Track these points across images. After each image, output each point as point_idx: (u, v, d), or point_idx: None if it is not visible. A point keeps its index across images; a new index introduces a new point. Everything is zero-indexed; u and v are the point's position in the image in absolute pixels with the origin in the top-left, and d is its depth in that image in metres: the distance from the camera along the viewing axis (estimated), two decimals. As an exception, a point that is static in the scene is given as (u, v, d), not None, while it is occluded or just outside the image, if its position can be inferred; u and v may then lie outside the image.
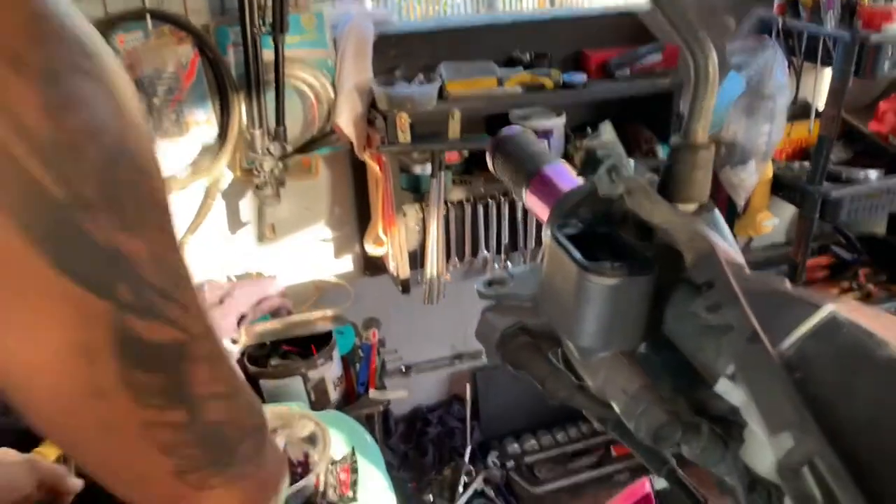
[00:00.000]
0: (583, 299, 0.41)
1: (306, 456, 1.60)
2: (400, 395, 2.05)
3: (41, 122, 0.32)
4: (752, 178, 2.21)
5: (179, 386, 0.42)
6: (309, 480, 1.49)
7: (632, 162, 0.49)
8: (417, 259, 2.21)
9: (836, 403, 0.30)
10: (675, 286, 0.42)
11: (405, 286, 2.17)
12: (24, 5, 0.32)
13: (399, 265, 2.14)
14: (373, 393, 2.02)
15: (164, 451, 0.43)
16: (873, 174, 2.19)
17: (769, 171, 2.23)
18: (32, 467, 0.82)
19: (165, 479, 0.44)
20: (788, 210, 2.53)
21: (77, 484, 0.85)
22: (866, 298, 2.43)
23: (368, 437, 1.71)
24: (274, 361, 2.01)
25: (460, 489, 2.40)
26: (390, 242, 2.12)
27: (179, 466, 0.44)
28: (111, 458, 0.43)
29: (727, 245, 0.43)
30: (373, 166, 2.02)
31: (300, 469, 1.57)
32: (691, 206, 0.45)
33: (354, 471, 1.55)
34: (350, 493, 1.50)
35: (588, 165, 0.51)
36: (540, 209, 0.60)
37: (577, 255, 0.41)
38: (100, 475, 0.44)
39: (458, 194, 2.14)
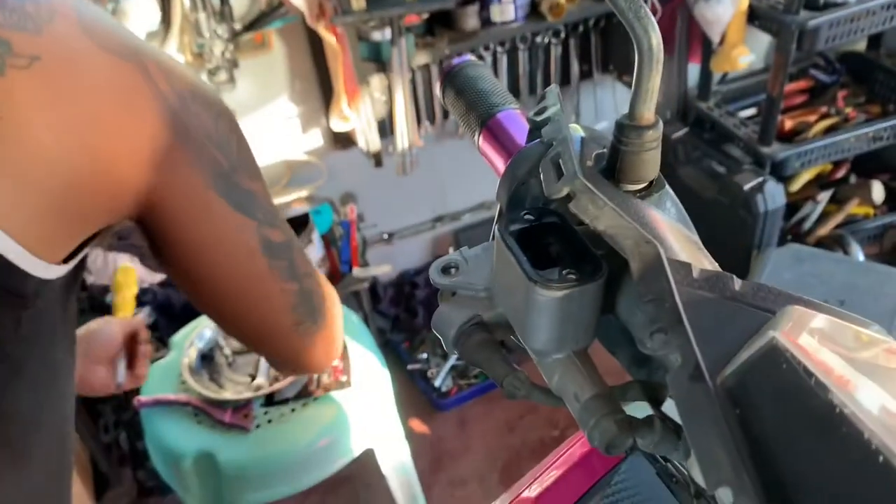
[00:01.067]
0: (531, 308, 0.41)
1: (297, 346, 1.66)
2: (384, 271, 2.08)
3: (213, 128, 0.59)
4: (727, 11, 2.13)
5: (292, 267, 0.68)
6: (303, 370, 1.55)
7: (579, 135, 0.47)
8: (387, 128, 2.16)
9: (774, 448, 0.31)
10: (625, 273, 0.42)
11: (377, 159, 2.14)
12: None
13: (368, 139, 2.10)
14: (357, 271, 2.05)
15: (290, 310, 0.69)
16: (852, -5, 2.11)
17: (744, 2, 2.14)
18: (120, 323, 1.08)
19: (289, 332, 0.70)
20: (766, 35, 2.46)
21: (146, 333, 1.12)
22: (844, 123, 2.42)
23: (355, 318, 1.76)
24: (254, 250, 2.02)
25: (453, 344, 2.51)
26: (356, 116, 2.06)
27: (296, 320, 0.70)
28: (258, 315, 0.68)
29: (676, 231, 0.43)
30: (328, 38, 1.93)
31: (293, 360, 1.63)
32: (640, 185, 0.44)
33: (345, 356, 1.61)
34: (343, 378, 1.56)
35: (533, 136, 0.49)
36: (494, 161, 0.59)
37: (527, 265, 0.40)
38: (243, 329, 0.70)
39: (422, 58, 2.06)
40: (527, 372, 0.45)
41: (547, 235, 0.45)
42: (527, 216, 0.44)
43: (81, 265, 0.61)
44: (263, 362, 1.59)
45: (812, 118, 2.43)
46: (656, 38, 0.40)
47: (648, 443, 0.40)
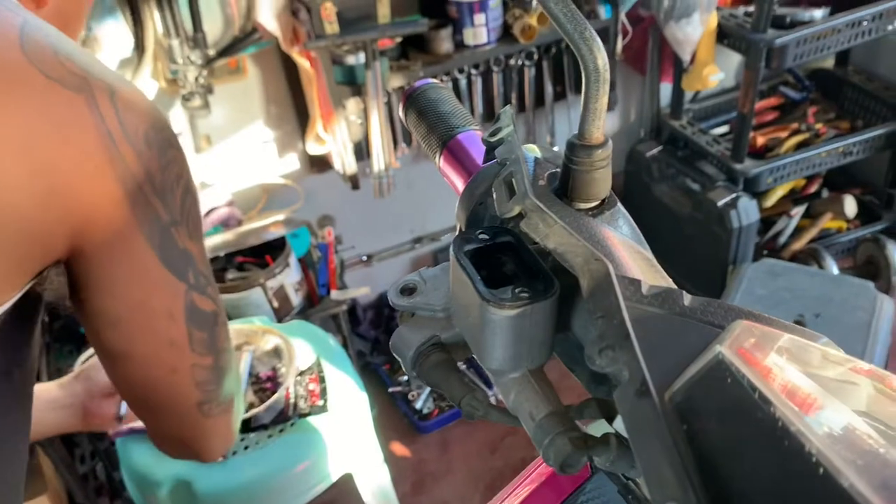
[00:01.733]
0: (486, 327, 0.41)
1: (274, 370, 1.64)
2: (362, 293, 2.08)
3: (158, 175, 0.56)
4: (696, 30, 2.16)
5: (213, 340, 0.64)
6: (280, 394, 1.54)
7: (533, 156, 0.48)
8: (363, 151, 2.17)
9: (722, 463, 0.31)
10: (577, 291, 0.42)
11: (354, 181, 2.14)
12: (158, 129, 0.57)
13: (345, 161, 2.10)
14: (335, 294, 2.05)
15: (198, 386, 0.65)
16: (818, 13, 2.15)
17: (713, 22, 2.17)
18: (82, 405, 1.01)
19: (192, 409, 0.66)
20: (736, 54, 2.50)
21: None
22: (815, 138, 2.46)
23: (332, 342, 1.75)
24: (231, 275, 2.01)
25: (434, 366, 2.50)
26: (332, 139, 2.07)
27: (202, 398, 0.66)
28: (164, 384, 0.63)
29: (629, 248, 0.43)
30: (302, 63, 1.93)
31: (269, 384, 1.62)
32: (592, 204, 0.44)
33: (322, 379, 1.60)
34: (321, 402, 1.55)
35: (489, 157, 0.50)
36: (454, 181, 0.59)
37: (480, 285, 0.40)
38: (142, 395, 0.65)
39: (397, 81, 2.07)
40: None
41: (501, 255, 0.45)
42: (481, 235, 0.44)
43: (25, 326, 0.57)
44: (243, 387, 1.58)
45: (783, 134, 2.46)
46: (602, 59, 0.40)
47: (605, 461, 0.40)
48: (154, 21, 1.82)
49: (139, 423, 1.50)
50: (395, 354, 0.47)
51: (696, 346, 0.36)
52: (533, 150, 0.49)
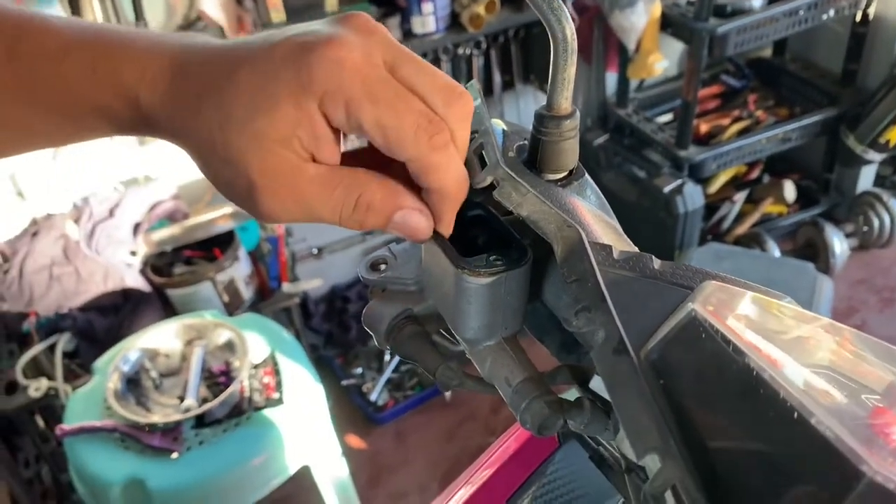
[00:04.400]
0: (461, 296, 0.41)
1: (227, 364, 1.62)
2: (314, 285, 2.07)
3: None
4: (641, 19, 2.20)
5: None
6: (234, 388, 1.52)
7: (501, 128, 0.48)
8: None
9: (697, 414, 0.32)
10: (549, 259, 0.43)
11: (304, 172, 2.12)
12: None
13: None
14: (286, 286, 2.03)
15: None
16: (757, 3, 2.21)
17: (657, 11, 2.22)
18: None
19: None
20: (679, 43, 2.56)
21: None
22: (756, 125, 2.53)
23: (286, 334, 1.74)
24: (179, 269, 1.97)
25: (386, 357, 2.49)
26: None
27: None
28: None
29: (597, 217, 0.44)
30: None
31: (223, 378, 1.60)
32: (560, 174, 0.45)
33: (277, 372, 1.58)
34: (276, 395, 1.54)
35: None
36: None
37: (453, 252, 0.41)
38: None
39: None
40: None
41: (473, 228, 0.46)
42: None
43: None
44: (192, 382, 1.56)
45: (725, 122, 2.53)
46: (570, 29, 0.41)
47: (579, 423, 0.41)
48: (93, 9, 1.77)
49: (88, 423, 1.46)
50: (367, 328, 0.47)
51: (667, 305, 0.37)
52: (499, 124, 0.50)
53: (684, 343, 0.34)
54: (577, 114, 0.44)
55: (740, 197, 2.65)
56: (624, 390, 0.32)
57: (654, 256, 0.40)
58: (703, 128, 2.48)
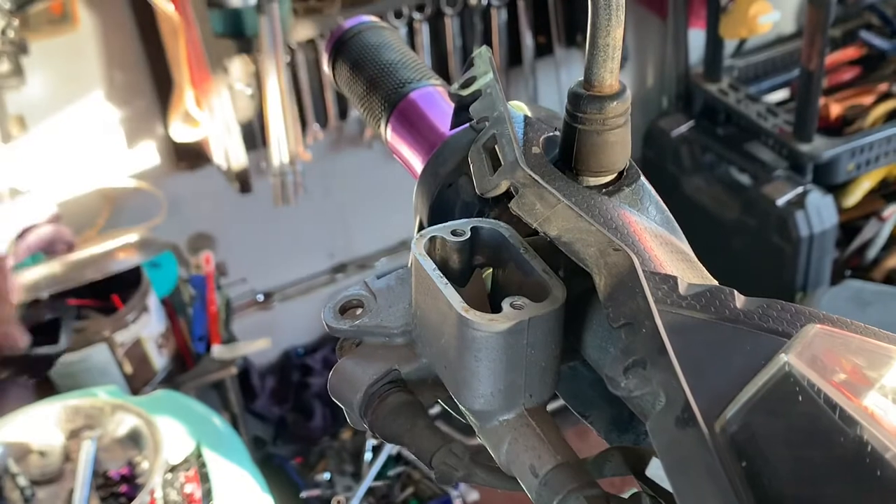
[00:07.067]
0: (467, 350, 0.44)
1: (131, 466, 1.64)
2: (259, 348, 2.09)
3: None
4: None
5: None
6: (141, 501, 1.54)
7: (522, 115, 0.52)
8: (256, 136, 2.19)
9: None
10: (592, 298, 0.45)
11: (243, 181, 2.16)
12: None
13: (228, 152, 2.12)
14: (217, 350, 2.05)
15: None
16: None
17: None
18: None
19: None
20: (795, -12, 2.60)
21: None
22: (912, 106, 2.55)
23: (218, 422, 1.76)
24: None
25: (367, 455, 2.50)
26: (209, 119, 2.08)
27: None
28: None
29: (658, 238, 0.47)
30: (163, 6, 1.95)
31: (124, 487, 1.61)
32: (605, 178, 0.48)
33: (205, 477, 1.60)
34: (204, 511, 1.56)
35: (460, 118, 0.53)
36: (408, 158, 0.62)
37: (456, 298, 0.43)
38: None
39: (304, 31, 2.11)
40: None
41: (482, 252, 0.48)
42: (454, 233, 0.47)
43: None
44: (80, 493, 1.57)
45: (867, 100, 2.55)
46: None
47: (636, 526, 0.43)
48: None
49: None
50: (335, 399, 0.50)
51: (754, 359, 0.39)
52: (520, 108, 0.52)
53: (775, 410, 0.36)
54: (628, 92, 0.47)
55: (893, 213, 2.66)
56: (692, 479, 0.35)
57: (736, 291, 0.42)
58: (835, 110, 2.50)
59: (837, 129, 2.49)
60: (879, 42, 2.73)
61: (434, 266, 0.45)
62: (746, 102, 2.55)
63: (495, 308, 0.44)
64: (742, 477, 0.36)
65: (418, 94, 0.62)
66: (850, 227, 2.63)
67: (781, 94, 2.71)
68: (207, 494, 1.58)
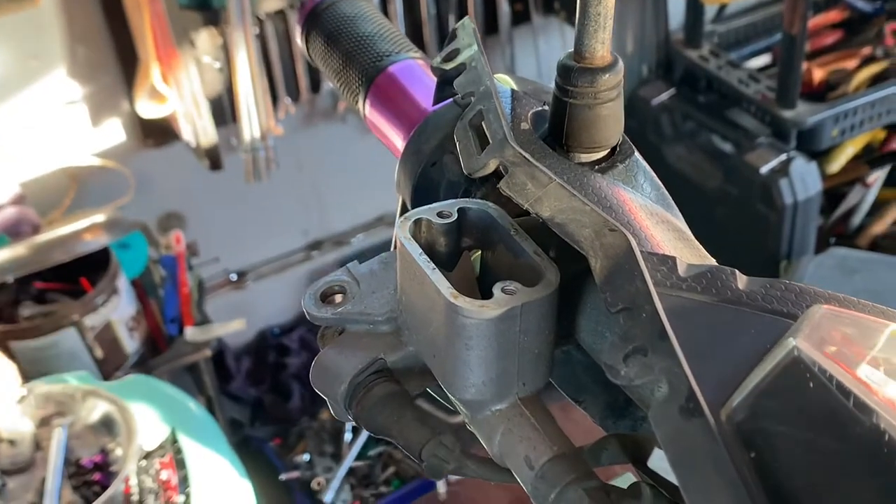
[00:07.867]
0: (456, 337, 0.43)
1: (104, 453, 1.63)
2: (233, 328, 2.08)
3: None
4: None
5: None
6: (115, 490, 1.53)
7: (509, 89, 0.50)
8: (226, 112, 2.17)
9: (803, 500, 0.34)
10: (587, 280, 0.44)
11: (213, 158, 2.14)
12: None
13: (197, 128, 2.10)
14: (190, 332, 2.04)
15: None
16: None
17: None
18: None
19: None
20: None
21: None
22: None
23: (194, 405, 1.75)
24: (27, 310, 1.98)
25: (347, 435, 2.50)
26: (176, 94, 2.06)
27: None
28: None
29: (654, 216, 0.46)
30: (127, -22, 1.93)
31: (98, 475, 1.60)
32: (598, 154, 0.47)
33: (181, 463, 1.59)
34: (180, 499, 1.55)
35: (443, 93, 0.52)
36: (389, 135, 0.61)
37: (444, 284, 0.42)
38: None
39: (273, 2, 2.09)
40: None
41: (470, 234, 0.47)
42: (440, 214, 0.46)
43: None
44: (52, 482, 1.56)
45: (851, 64, 2.55)
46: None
47: (636, 514, 0.42)
48: None
49: None
50: (317, 390, 0.48)
51: (759, 343, 0.38)
52: (506, 82, 0.51)
53: (783, 397, 0.35)
54: (621, 64, 0.46)
55: (877, 178, 2.66)
56: (697, 471, 0.34)
57: (738, 271, 0.41)
58: (818, 74, 2.50)
59: (821, 94, 2.50)
60: (862, 4, 2.73)
61: (420, 250, 0.44)
62: (728, 69, 2.55)
63: (485, 292, 0.43)
64: (751, 468, 0.35)
65: (398, 68, 0.61)
66: (834, 193, 2.64)
67: (763, 60, 2.71)
68: (184, 480, 1.57)
